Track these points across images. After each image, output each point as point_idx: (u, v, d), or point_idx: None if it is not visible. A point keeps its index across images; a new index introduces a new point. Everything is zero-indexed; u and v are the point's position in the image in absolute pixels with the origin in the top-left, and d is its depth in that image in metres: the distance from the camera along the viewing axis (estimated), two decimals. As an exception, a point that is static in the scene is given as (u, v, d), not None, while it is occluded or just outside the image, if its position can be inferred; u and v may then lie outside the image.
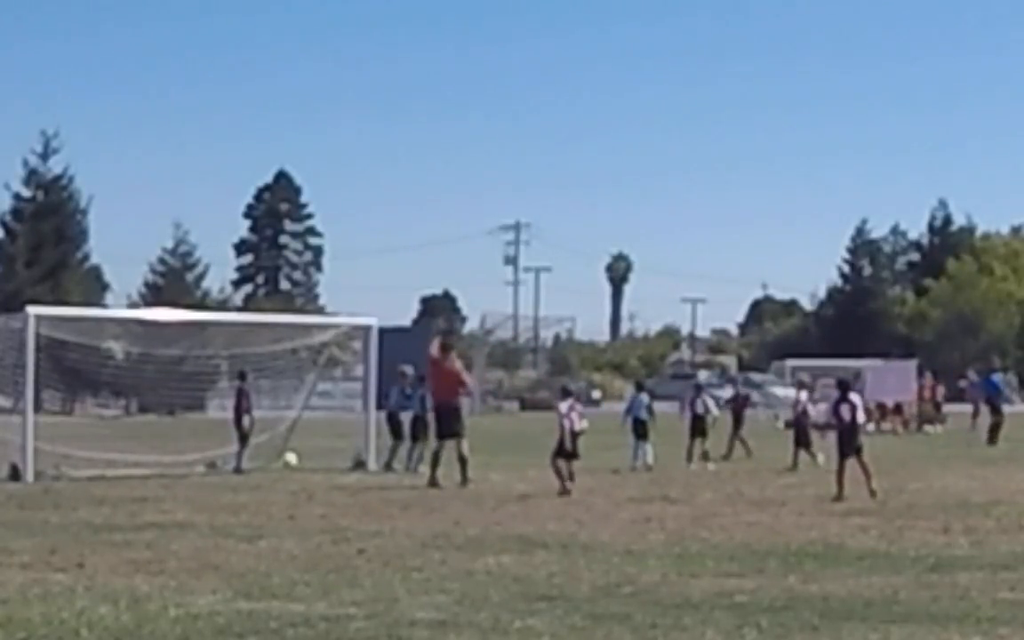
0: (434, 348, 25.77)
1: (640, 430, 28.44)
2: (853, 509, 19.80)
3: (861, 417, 22.72)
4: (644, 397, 29.36)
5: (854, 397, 22.76)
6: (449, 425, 24.22)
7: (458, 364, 25.65)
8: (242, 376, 28.64)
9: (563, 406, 23.56)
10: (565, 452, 22.77)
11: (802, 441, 28.50)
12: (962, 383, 54.30)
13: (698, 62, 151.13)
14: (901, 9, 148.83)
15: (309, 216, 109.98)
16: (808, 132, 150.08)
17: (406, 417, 28.16)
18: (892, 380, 48.77)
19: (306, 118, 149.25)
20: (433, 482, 23.35)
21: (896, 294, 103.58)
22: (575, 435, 22.93)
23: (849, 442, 22.09)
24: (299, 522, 18.23)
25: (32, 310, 26.36)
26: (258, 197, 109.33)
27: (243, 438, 27.64)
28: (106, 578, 13.21)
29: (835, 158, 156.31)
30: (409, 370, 28.64)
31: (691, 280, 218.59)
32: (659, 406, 30.42)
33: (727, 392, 32.89)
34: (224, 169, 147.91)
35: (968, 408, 46.77)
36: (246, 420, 27.68)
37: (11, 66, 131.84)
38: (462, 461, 23.86)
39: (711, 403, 30.63)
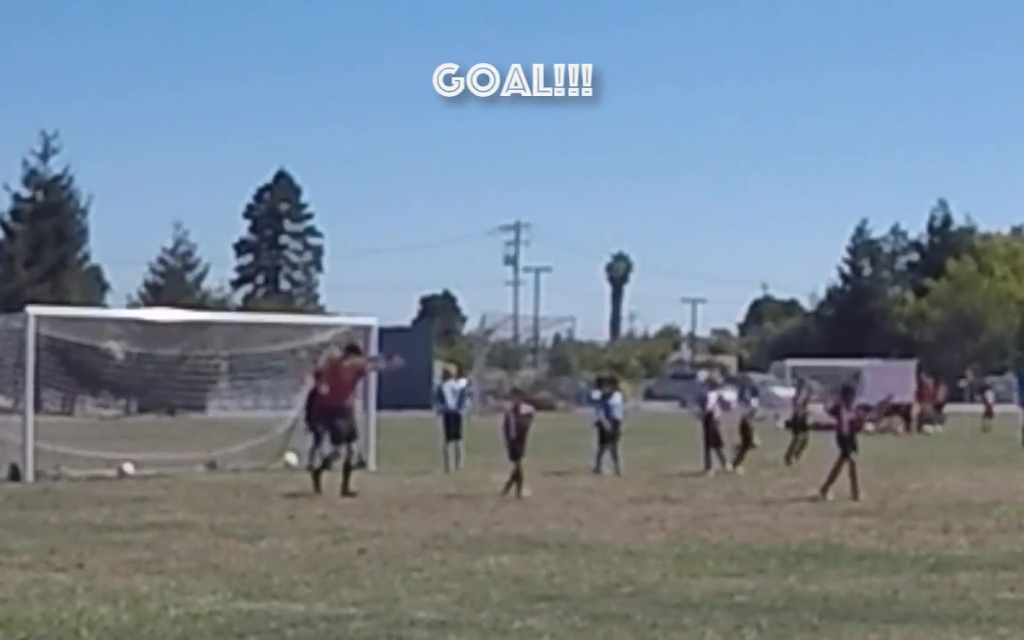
0: None
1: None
2: (853, 509, 19.81)
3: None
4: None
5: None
6: None
7: None
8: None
9: (507, 405, 24.23)
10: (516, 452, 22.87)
11: (712, 442, 27.85)
12: (962, 383, 54.31)
13: (698, 62, 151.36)
14: (901, 9, 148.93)
15: (309, 216, 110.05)
16: (808, 132, 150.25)
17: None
18: (891, 380, 48.78)
19: (306, 118, 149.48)
20: None
21: (896, 294, 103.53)
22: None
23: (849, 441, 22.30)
24: (299, 522, 18.22)
25: (32, 310, 26.33)
26: (258, 197, 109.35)
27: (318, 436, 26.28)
28: (106, 578, 13.20)
29: (835, 158, 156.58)
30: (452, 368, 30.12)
31: (691, 280, 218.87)
32: (660, 406, 30.32)
33: (730, 393, 32.56)
34: (224, 169, 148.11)
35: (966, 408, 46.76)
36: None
37: (11, 66, 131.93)
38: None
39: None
